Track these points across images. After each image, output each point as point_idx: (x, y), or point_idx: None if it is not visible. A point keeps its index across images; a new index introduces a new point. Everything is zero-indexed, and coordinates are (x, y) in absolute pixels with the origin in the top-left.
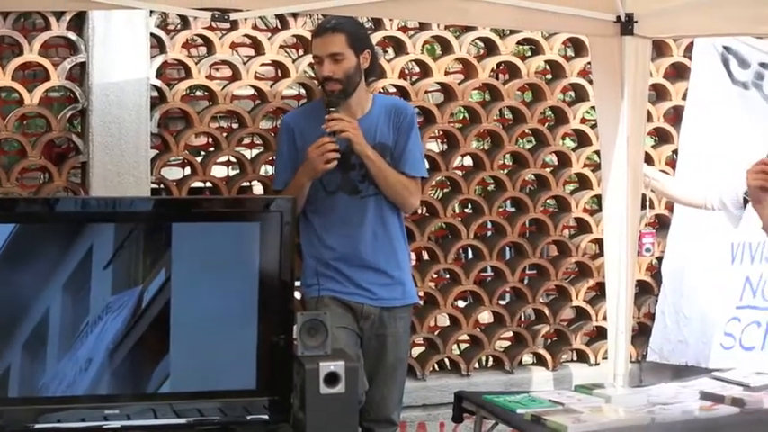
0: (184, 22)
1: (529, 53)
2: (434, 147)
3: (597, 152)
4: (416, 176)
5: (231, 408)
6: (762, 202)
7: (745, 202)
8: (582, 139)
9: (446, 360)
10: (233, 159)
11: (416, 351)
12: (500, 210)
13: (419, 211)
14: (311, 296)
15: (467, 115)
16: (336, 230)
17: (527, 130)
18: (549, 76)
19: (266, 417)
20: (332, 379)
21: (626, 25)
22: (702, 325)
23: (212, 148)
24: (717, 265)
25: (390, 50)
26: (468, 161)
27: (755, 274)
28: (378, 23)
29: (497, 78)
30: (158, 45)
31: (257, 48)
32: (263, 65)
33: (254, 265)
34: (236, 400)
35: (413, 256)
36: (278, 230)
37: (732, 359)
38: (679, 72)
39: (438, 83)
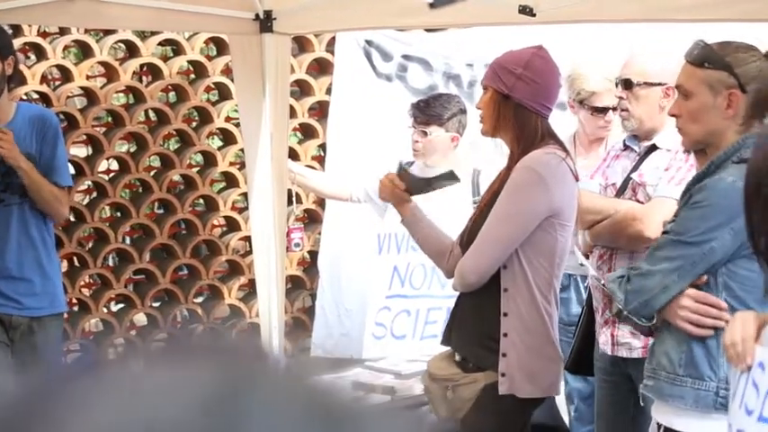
0: None
1: (171, 54)
2: (79, 152)
3: (243, 150)
4: (66, 186)
5: None
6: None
7: None
8: (227, 138)
9: None
10: None
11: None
12: (148, 212)
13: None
14: None
15: (111, 119)
16: None
17: (172, 131)
18: (192, 76)
19: None
20: None
21: (265, 23)
22: (360, 316)
23: None
24: (366, 256)
25: (32, 56)
26: (114, 165)
27: (403, 263)
28: (17, 30)
29: (140, 80)
30: None
31: None
32: None
33: None
34: None
35: (64, 263)
36: None
37: (384, 348)
38: (322, 67)
39: (80, 87)
